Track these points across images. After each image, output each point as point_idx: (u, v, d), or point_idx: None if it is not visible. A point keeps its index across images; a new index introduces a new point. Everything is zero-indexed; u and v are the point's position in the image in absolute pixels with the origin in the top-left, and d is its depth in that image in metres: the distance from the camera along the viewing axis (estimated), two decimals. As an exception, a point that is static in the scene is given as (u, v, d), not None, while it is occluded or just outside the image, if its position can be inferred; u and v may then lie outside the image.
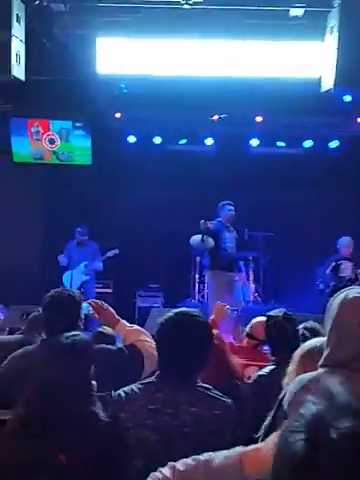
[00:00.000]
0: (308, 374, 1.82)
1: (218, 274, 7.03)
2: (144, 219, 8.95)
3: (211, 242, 6.89)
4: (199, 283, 8.93)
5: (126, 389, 2.13)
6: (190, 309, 2.26)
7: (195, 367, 2.14)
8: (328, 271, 7.70)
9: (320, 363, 1.78)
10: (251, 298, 9.24)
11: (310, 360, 1.90)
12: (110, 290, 8.96)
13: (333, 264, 7.65)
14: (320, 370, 1.77)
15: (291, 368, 2.16)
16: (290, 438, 0.79)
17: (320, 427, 0.77)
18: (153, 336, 2.64)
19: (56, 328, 2.60)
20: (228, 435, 2.05)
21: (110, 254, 8.23)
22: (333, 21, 5.25)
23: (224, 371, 2.85)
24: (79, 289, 8.02)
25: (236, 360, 3.21)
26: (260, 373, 2.93)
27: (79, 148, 8.78)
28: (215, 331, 3.13)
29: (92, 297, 8.13)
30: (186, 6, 5.40)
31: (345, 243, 7.69)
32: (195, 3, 5.41)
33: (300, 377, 1.84)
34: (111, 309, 2.90)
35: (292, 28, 5.72)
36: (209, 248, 6.93)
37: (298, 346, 2.98)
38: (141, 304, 8.87)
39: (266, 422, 2.14)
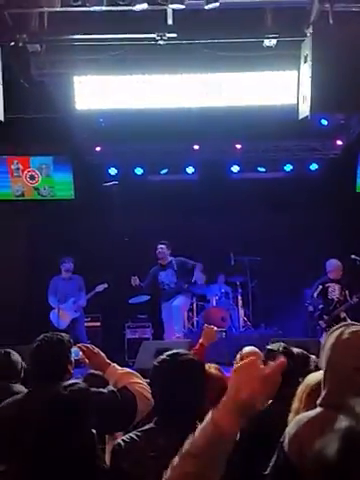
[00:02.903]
0: (306, 414, 1.80)
1: (163, 306, 8.03)
2: (129, 250, 8.92)
3: (145, 298, 8.33)
4: (188, 311, 8.90)
5: (125, 437, 2.11)
6: (181, 350, 2.27)
7: (193, 409, 2.11)
8: (315, 294, 7.71)
9: (318, 402, 1.76)
10: (241, 323, 9.22)
11: (313, 399, 1.87)
12: (98, 323, 8.88)
13: (320, 287, 7.65)
14: (318, 410, 1.75)
15: (295, 406, 2.14)
16: None
17: None
18: (146, 371, 2.62)
19: (45, 374, 2.57)
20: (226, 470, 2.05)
21: (99, 289, 8.15)
22: (306, 50, 5.34)
23: None
24: (69, 326, 7.93)
25: None
26: None
27: (61, 183, 8.81)
28: (214, 365, 3.09)
29: (83, 334, 8.07)
30: (161, 42, 5.46)
31: (332, 266, 7.68)
32: (170, 38, 5.48)
33: (298, 417, 1.81)
34: (102, 353, 2.83)
35: (266, 58, 5.80)
36: (144, 301, 8.39)
37: (296, 380, 2.97)
38: (130, 336, 8.81)
39: (271, 463, 2.10)
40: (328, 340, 1.76)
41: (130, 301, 8.44)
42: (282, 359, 1.29)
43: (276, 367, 1.26)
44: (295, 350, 3.46)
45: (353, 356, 1.69)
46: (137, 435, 2.10)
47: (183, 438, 2.00)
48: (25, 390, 2.77)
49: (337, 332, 1.75)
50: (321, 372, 1.98)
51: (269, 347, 3.21)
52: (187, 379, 2.11)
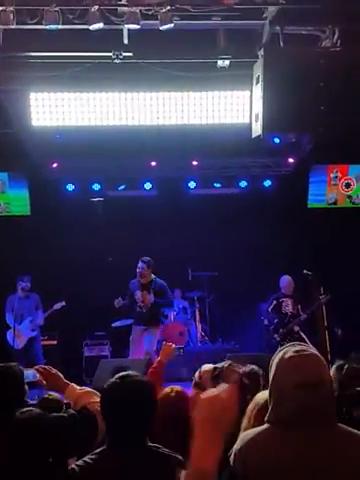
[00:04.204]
0: (251, 430, 1.88)
1: (134, 328, 7.61)
2: (87, 266, 8.89)
3: (130, 321, 7.85)
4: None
5: (79, 462, 2.12)
6: (131, 372, 2.29)
7: (142, 429, 2.18)
8: (269, 309, 7.90)
9: (265, 419, 1.84)
10: (199, 338, 9.29)
11: (261, 417, 1.93)
12: (55, 342, 8.75)
13: (274, 302, 7.87)
14: (264, 426, 1.83)
15: (244, 424, 2.19)
16: None
17: None
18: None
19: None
20: None
21: (57, 306, 8.05)
22: (258, 71, 5.52)
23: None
24: (26, 346, 7.83)
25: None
26: None
27: (16, 199, 8.73)
28: (176, 388, 3.10)
29: (39, 353, 7.96)
30: (117, 61, 5.54)
31: (285, 282, 7.92)
32: (126, 57, 5.57)
33: (244, 433, 1.89)
34: (60, 374, 2.82)
35: (220, 78, 5.96)
36: (129, 323, 7.90)
37: (245, 399, 3.01)
38: (88, 353, 8.74)
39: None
40: (274, 359, 1.87)
41: (113, 325, 8.32)
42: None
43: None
44: (248, 368, 3.52)
45: (294, 373, 1.78)
46: (91, 458, 2.12)
47: (134, 458, 2.07)
48: None
49: (282, 352, 1.85)
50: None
51: (215, 365, 3.24)
52: (136, 403, 2.15)
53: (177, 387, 3.14)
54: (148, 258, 7.38)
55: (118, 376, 2.23)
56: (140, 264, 7.35)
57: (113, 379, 2.22)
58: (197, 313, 9.45)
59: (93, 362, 7.78)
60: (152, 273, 7.43)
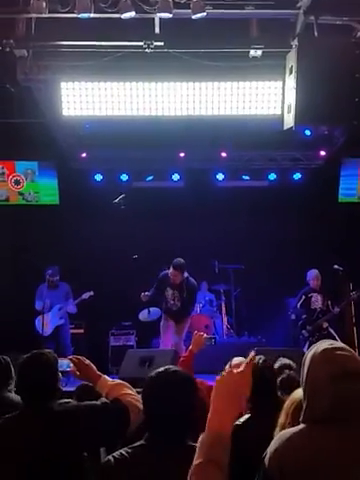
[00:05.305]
0: (286, 431, 1.83)
1: (164, 316, 7.57)
2: (113, 256, 8.92)
3: (157, 312, 7.72)
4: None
5: (116, 454, 2.09)
6: (172, 366, 2.24)
7: (184, 427, 2.13)
8: (299, 305, 7.79)
9: (300, 418, 1.79)
10: (224, 331, 9.25)
11: (299, 412, 1.89)
12: (82, 330, 8.83)
13: (303, 297, 7.75)
14: (299, 426, 1.78)
15: (282, 420, 2.13)
16: None
17: None
18: (130, 379, 2.59)
19: (32, 394, 2.55)
20: None
21: (85, 296, 8.09)
22: (291, 61, 5.42)
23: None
24: (54, 333, 7.90)
25: None
26: (236, 423, 2.91)
27: (45, 188, 8.80)
28: (198, 380, 3.08)
29: (67, 341, 8.04)
30: (148, 50, 5.50)
31: (313, 276, 7.81)
32: (157, 47, 5.52)
33: (280, 434, 1.84)
34: (92, 365, 2.81)
35: (252, 69, 5.88)
36: (156, 318, 7.74)
37: (275, 394, 3.00)
38: (114, 343, 8.79)
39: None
40: (307, 356, 1.83)
41: (141, 318, 8.02)
42: (252, 353, 1.70)
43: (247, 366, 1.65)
44: (283, 361, 3.50)
45: (328, 364, 1.75)
46: (127, 452, 2.09)
47: (173, 455, 2.02)
48: (18, 400, 2.75)
49: (314, 348, 1.83)
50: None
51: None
52: (177, 397, 2.11)
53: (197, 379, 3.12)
54: (181, 261, 7.06)
55: (161, 370, 2.17)
56: (173, 270, 7.06)
57: (154, 373, 2.16)
58: (223, 306, 9.40)
59: (119, 352, 7.81)
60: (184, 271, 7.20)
